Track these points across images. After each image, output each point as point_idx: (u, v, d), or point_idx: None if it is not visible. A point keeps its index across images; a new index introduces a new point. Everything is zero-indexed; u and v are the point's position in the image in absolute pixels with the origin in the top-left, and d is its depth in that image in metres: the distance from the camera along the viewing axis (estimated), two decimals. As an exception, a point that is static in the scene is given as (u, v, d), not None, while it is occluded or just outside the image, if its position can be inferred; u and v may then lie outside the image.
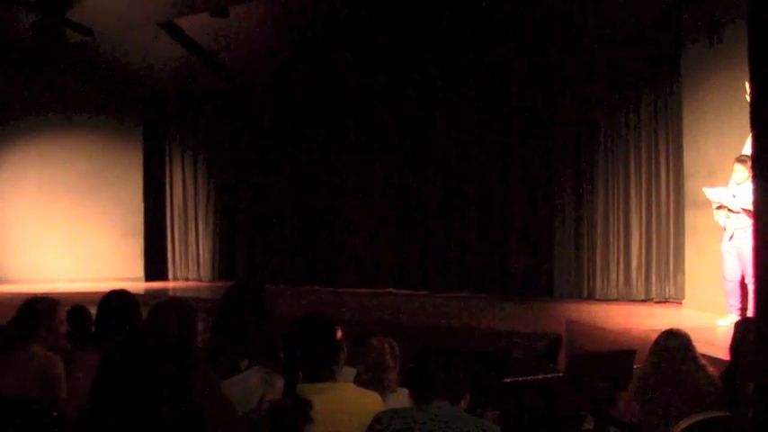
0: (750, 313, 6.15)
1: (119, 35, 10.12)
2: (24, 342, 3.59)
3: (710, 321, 6.76)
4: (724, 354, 3.62)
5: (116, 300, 3.47)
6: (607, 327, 7.08)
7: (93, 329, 4.02)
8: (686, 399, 3.18)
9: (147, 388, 1.75)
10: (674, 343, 3.43)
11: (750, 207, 6.28)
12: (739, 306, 6.56)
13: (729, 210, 6.59)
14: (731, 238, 6.62)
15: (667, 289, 8.83)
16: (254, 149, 12.33)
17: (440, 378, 2.59)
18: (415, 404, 2.61)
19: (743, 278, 6.58)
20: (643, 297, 9.00)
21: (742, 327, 3.37)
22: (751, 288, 6.44)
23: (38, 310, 3.69)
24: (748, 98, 1.61)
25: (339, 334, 2.93)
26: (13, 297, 9.01)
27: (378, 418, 2.56)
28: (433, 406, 2.53)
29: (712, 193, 6.74)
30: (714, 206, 6.74)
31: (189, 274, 12.92)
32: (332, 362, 2.78)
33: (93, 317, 3.95)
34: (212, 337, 3.19)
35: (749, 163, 6.38)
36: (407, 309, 9.27)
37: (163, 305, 3.21)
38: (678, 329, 3.56)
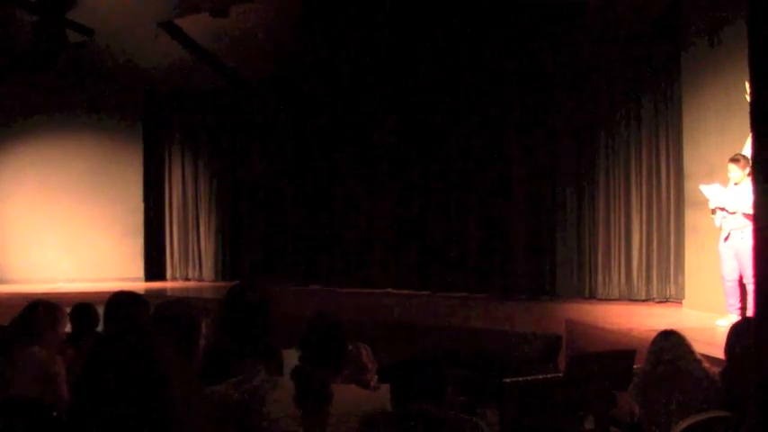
0: (750, 313, 6.15)
1: (119, 35, 10.12)
2: (25, 344, 3.60)
3: (710, 321, 6.76)
4: (724, 354, 3.62)
5: (123, 301, 3.47)
6: (607, 327, 7.08)
7: (98, 330, 4.03)
8: (686, 398, 3.18)
9: (125, 387, 1.77)
10: (670, 343, 3.44)
11: (746, 210, 6.30)
12: (739, 306, 6.56)
13: (721, 209, 6.61)
14: (727, 238, 6.63)
15: (668, 289, 8.83)
16: (254, 149, 12.34)
17: (421, 379, 2.63)
18: (396, 404, 2.64)
19: (741, 277, 6.58)
20: (644, 297, 9.00)
21: (737, 328, 3.38)
22: (749, 288, 6.45)
23: (39, 313, 3.71)
24: (748, 98, 1.62)
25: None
26: (13, 297, 9.03)
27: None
28: (414, 408, 2.56)
29: (708, 191, 6.76)
30: (710, 205, 6.76)
31: (189, 273, 12.93)
32: (338, 364, 2.82)
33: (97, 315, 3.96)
34: (215, 338, 3.19)
35: (742, 161, 6.42)
36: (407, 309, 9.27)
37: (165, 306, 3.21)
38: (673, 330, 3.57)
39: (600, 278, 9.41)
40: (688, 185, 8.10)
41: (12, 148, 12.48)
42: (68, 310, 4.24)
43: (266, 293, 3.23)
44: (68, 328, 4.43)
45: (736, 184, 6.57)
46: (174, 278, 13.00)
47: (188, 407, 1.99)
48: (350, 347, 3.58)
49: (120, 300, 3.48)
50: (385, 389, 3.04)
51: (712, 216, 6.79)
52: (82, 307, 4.37)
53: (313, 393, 2.69)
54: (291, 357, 3.08)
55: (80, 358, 3.43)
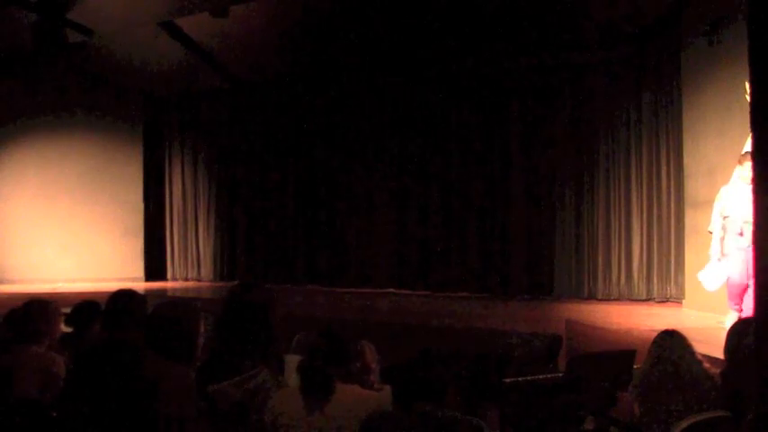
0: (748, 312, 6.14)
1: (119, 35, 10.12)
2: (23, 343, 3.60)
3: (710, 321, 6.76)
4: (724, 354, 3.62)
5: (123, 300, 3.48)
6: (607, 327, 7.08)
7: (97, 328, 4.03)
8: (686, 398, 3.18)
9: (110, 389, 1.78)
10: (672, 343, 3.43)
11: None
12: (739, 308, 6.50)
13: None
14: (742, 233, 6.41)
15: (668, 289, 8.84)
16: (254, 149, 12.33)
17: (422, 380, 2.63)
18: (397, 404, 2.64)
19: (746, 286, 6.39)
20: (644, 297, 9.01)
21: (737, 328, 3.37)
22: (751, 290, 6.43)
23: (35, 312, 3.72)
24: (748, 98, 1.61)
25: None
26: (13, 297, 9.03)
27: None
28: (415, 408, 2.56)
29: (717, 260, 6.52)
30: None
31: (189, 274, 12.93)
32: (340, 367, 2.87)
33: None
34: (215, 338, 3.19)
35: None
36: (407, 309, 9.27)
37: (164, 307, 3.21)
38: (674, 329, 3.56)
39: (600, 278, 9.41)
40: (688, 185, 8.10)
41: (12, 149, 12.48)
42: (67, 310, 4.23)
43: (266, 294, 3.23)
44: (69, 327, 4.44)
45: (749, 184, 6.43)
46: (173, 278, 13.01)
47: (180, 408, 2.00)
48: (356, 346, 3.60)
49: (119, 299, 3.48)
50: (386, 389, 3.05)
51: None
52: (84, 305, 4.38)
53: (316, 391, 2.70)
54: (293, 362, 3.08)
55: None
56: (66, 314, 4.20)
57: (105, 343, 2.12)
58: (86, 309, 4.29)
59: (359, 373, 3.50)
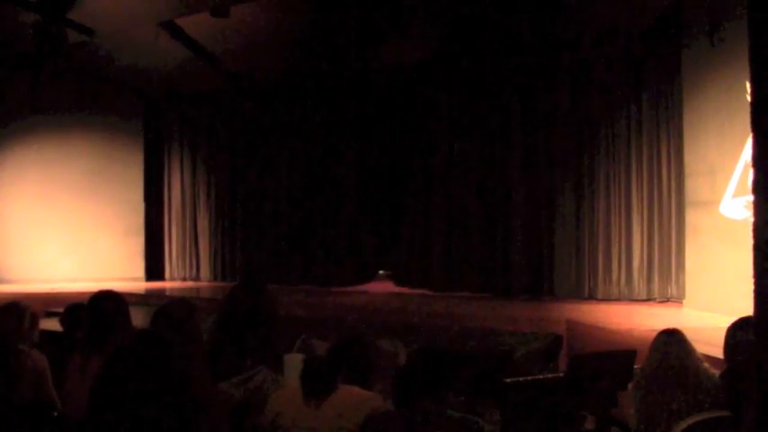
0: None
1: (119, 35, 10.12)
2: (10, 345, 3.62)
3: (711, 321, 6.75)
4: (723, 353, 3.61)
5: (103, 302, 3.48)
6: (607, 327, 7.08)
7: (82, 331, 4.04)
8: (686, 398, 3.18)
9: (149, 390, 1.77)
10: (673, 342, 3.43)
11: None
12: None
13: None
14: None
15: (669, 288, 8.82)
16: (253, 149, 12.33)
17: (422, 380, 2.63)
18: (398, 403, 2.65)
19: None
20: (645, 297, 9.00)
21: (737, 328, 3.37)
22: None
23: (9, 316, 3.76)
24: (749, 98, 1.61)
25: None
26: (13, 297, 9.02)
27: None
28: (415, 407, 2.56)
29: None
30: None
31: (187, 273, 12.92)
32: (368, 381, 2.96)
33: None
34: (215, 337, 3.20)
35: None
36: (408, 309, 9.27)
37: (167, 306, 3.22)
38: (675, 329, 3.56)
39: (600, 278, 9.40)
40: (689, 184, 8.09)
41: (12, 148, 12.49)
42: (59, 310, 4.26)
43: (265, 294, 3.24)
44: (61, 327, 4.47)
45: None
46: (172, 278, 13.01)
47: (205, 407, 2.00)
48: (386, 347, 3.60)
49: (99, 301, 3.48)
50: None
51: None
52: (75, 307, 4.39)
53: (316, 391, 2.70)
54: (292, 361, 3.09)
55: (71, 361, 3.43)
56: (58, 313, 4.21)
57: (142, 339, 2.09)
58: (77, 310, 4.30)
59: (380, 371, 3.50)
